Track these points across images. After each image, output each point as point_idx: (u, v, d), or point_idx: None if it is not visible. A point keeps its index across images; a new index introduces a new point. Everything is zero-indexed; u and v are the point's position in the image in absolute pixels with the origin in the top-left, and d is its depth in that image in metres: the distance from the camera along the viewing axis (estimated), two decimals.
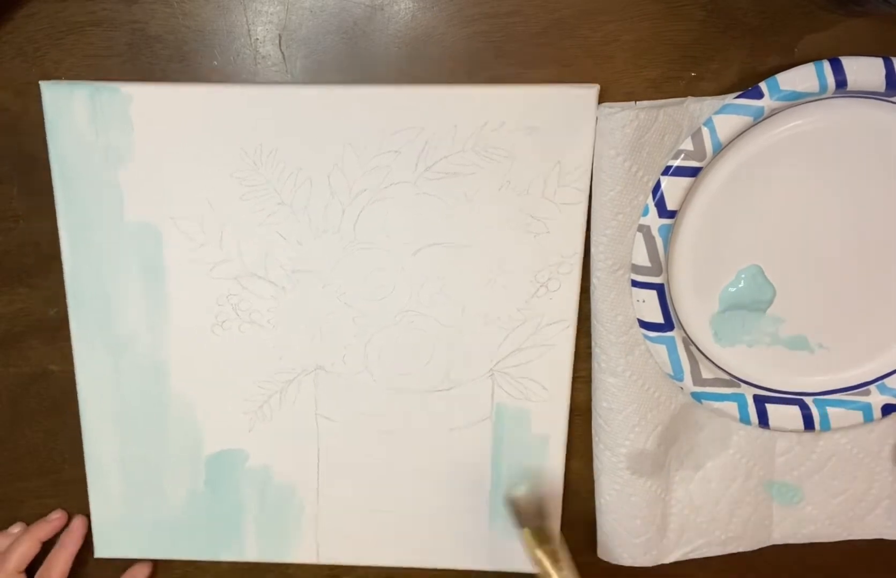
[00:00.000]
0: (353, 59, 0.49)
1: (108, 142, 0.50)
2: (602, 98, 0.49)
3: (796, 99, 0.46)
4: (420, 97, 0.48)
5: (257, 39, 0.50)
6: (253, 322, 0.53)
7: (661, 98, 0.49)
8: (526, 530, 0.49)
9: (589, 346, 0.54)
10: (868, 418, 0.52)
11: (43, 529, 0.58)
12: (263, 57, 0.50)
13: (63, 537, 0.58)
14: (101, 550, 0.60)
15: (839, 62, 0.45)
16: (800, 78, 0.45)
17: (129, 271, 0.53)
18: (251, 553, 0.59)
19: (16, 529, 0.60)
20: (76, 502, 0.59)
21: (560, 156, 0.49)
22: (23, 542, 0.57)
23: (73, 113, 0.50)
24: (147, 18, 0.49)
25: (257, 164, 0.50)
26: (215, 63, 0.50)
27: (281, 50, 0.50)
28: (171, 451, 0.57)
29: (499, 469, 0.56)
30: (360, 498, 0.57)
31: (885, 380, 0.52)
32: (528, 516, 0.50)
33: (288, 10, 0.49)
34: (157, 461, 0.57)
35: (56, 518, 0.59)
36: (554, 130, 0.48)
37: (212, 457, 0.57)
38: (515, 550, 0.57)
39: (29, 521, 0.60)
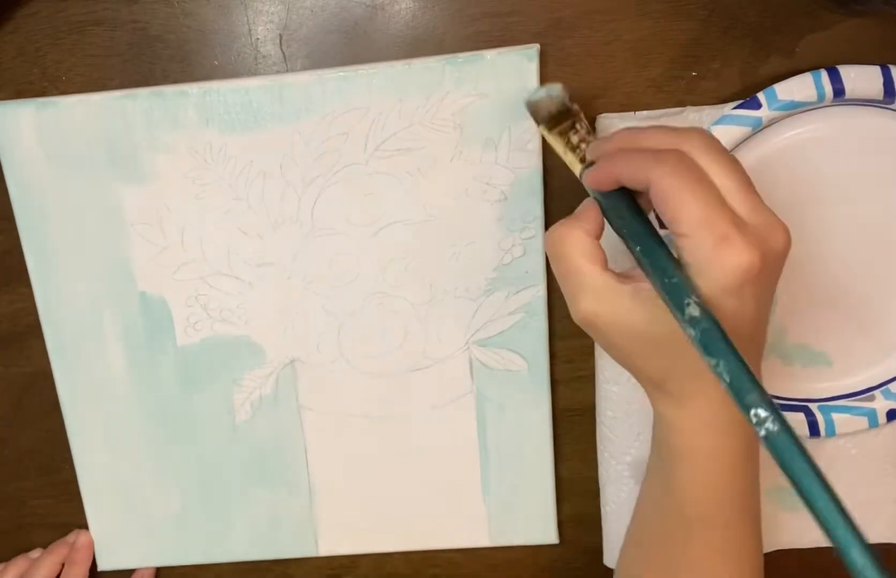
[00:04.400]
0: (354, 59, 0.51)
1: (58, 156, 0.53)
2: (603, 96, 0.51)
3: (794, 108, 0.47)
4: (361, 77, 0.50)
5: (258, 39, 0.52)
6: (224, 320, 0.55)
7: (663, 97, 0.51)
8: (541, 126, 0.45)
9: (591, 345, 0.55)
10: (873, 424, 0.53)
11: (62, 550, 0.60)
12: (264, 56, 0.52)
13: (71, 555, 0.60)
14: (104, 562, 0.62)
15: (837, 71, 0.47)
16: (797, 87, 0.47)
17: (95, 282, 0.55)
18: (250, 552, 0.61)
19: (35, 554, 0.62)
20: (77, 503, 0.61)
21: (508, 120, 0.50)
22: (43, 565, 0.59)
23: (21, 131, 0.52)
24: (148, 18, 0.51)
25: (208, 162, 0.52)
26: (216, 62, 0.52)
27: (282, 49, 0.52)
28: (160, 457, 0.59)
29: (485, 442, 0.57)
30: (353, 487, 0.59)
31: (890, 386, 0.54)
32: (544, 114, 0.45)
33: (288, 10, 0.51)
34: (148, 468, 0.59)
35: (73, 537, 0.61)
36: (499, 95, 0.50)
37: (201, 460, 0.59)
38: (512, 524, 0.59)
39: (29, 521, 0.63)
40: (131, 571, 0.62)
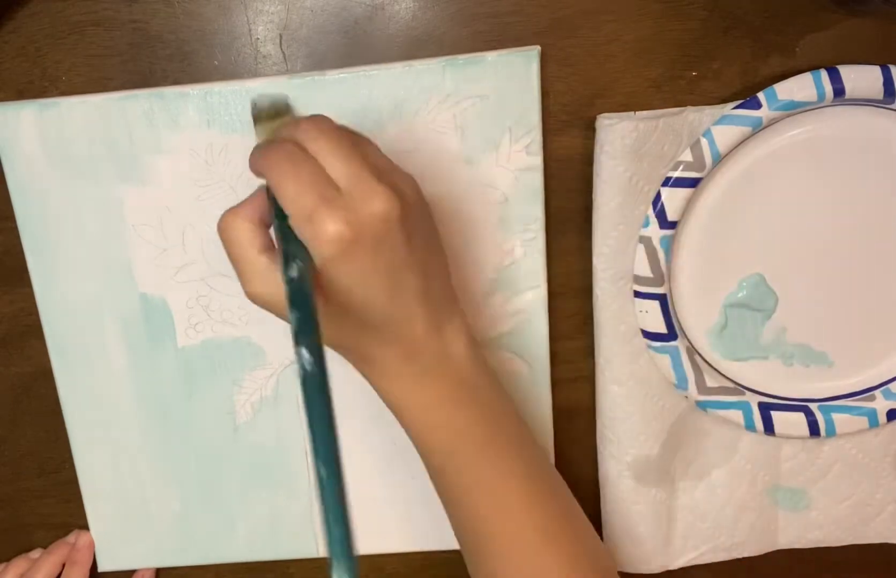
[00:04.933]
0: (354, 59, 0.52)
1: (59, 157, 0.53)
2: (603, 96, 0.51)
3: (794, 108, 0.48)
4: (362, 78, 0.50)
5: (258, 39, 0.52)
6: (225, 321, 0.56)
7: (662, 97, 0.51)
8: (258, 127, 0.45)
9: (590, 346, 0.56)
10: (873, 423, 0.54)
11: (62, 550, 0.61)
12: (264, 56, 0.52)
13: (72, 555, 0.60)
14: (104, 563, 0.62)
15: (837, 71, 0.47)
16: (797, 87, 0.47)
17: (96, 282, 0.55)
18: (250, 553, 0.61)
19: (35, 554, 0.62)
20: (77, 503, 0.61)
21: (509, 122, 0.50)
22: (44, 565, 0.59)
23: (22, 132, 0.52)
24: (148, 18, 0.52)
25: (209, 164, 0.52)
26: (216, 62, 0.52)
27: (282, 49, 0.52)
28: (161, 458, 0.59)
29: None
30: (353, 488, 0.57)
31: (890, 385, 0.54)
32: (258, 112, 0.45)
33: (288, 10, 0.51)
34: (149, 469, 0.59)
35: (73, 538, 0.62)
36: (499, 97, 0.50)
37: (202, 461, 0.59)
38: None
39: (29, 521, 0.63)
40: (131, 572, 0.62)
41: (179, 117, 0.51)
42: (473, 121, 0.50)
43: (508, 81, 0.49)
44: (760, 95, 0.48)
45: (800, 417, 0.54)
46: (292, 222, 0.38)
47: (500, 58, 0.49)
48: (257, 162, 0.40)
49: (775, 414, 0.54)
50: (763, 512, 0.57)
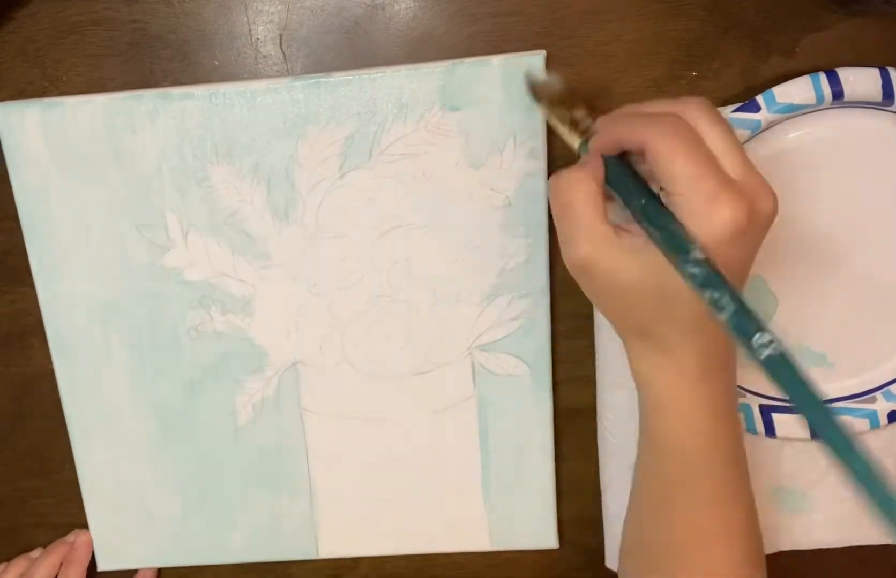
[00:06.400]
0: (354, 59, 0.52)
1: (63, 157, 0.53)
2: (603, 96, 0.51)
3: (793, 111, 0.48)
4: (366, 80, 0.51)
5: (258, 39, 0.52)
6: (227, 322, 0.56)
7: (662, 97, 0.50)
8: (544, 104, 0.46)
9: (590, 346, 0.56)
10: (874, 425, 0.54)
11: (62, 549, 0.61)
12: (265, 56, 0.52)
13: (69, 554, 0.61)
14: (104, 563, 0.63)
15: (835, 74, 0.47)
16: (796, 90, 0.47)
17: (99, 282, 0.56)
18: (250, 554, 0.61)
19: (35, 553, 0.62)
20: (77, 503, 0.61)
21: (513, 126, 0.51)
22: (43, 565, 0.60)
23: (26, 132, 0.53)
24: (148, 18, 0.52)
25: (213, 165, 0.53)
26: (216, 62, 0.53)
27: (282, 49, 0.52)
28: (162, 458, 0.59)
29: (486, 446, 0.58)
30: (354, 490, 0.59)
31: (891, 387, 0.54)
32: (546, 94, 0.47)
33: (288, 10, 0.51)
34: (150, 469, 0.60)
35: (73, 537, 0.62)
36: (504, 101, 0.50)
37: (203, 462, 0.59)
38: (512, 528, 0.59)
39: (29, 521, 0.63)
40: (131, 572, 0.63)
41: (183, 118, 0.52)
42: (478, 124, 0.51)
43: (514, 86, 0.50)
44: (759, 98, 0.48)
45: (801, 419, 0.54)
46: (684, 200, 0.37)
47: (505, 62, 0.49)
48: (643, 132, 0.39)
49: (776, 417, 0.54)
50: (764, 514, 0.57)
